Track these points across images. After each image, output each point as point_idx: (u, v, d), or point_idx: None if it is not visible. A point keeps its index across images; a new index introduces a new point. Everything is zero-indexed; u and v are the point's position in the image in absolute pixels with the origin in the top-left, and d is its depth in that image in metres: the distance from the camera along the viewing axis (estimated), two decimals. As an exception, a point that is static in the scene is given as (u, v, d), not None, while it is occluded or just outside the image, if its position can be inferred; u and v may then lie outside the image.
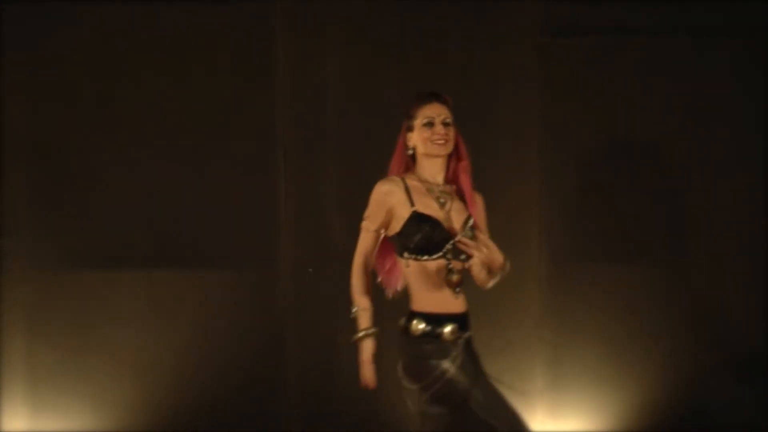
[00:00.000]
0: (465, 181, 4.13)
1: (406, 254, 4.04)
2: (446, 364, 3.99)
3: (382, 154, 5.33)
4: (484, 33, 5.53)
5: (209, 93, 5.48)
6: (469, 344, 4.07)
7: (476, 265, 3.91)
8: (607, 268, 5.52)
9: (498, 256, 3.96)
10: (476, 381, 4.05)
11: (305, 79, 5.50)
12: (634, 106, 5.59)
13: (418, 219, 4.04)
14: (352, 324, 5.38)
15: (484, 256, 3.93)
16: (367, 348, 4.04)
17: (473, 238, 4.02)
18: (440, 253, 4.01)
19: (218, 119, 5.44)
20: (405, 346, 4.05)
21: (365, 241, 4.16)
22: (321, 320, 5.49)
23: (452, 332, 3.96)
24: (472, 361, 4.04)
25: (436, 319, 4.02)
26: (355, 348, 5.37)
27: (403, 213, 4.05)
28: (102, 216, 5.43)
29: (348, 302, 5.40)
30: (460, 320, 4.03)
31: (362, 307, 4.12)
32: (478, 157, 5.30)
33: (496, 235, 5.38)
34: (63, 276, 5.43)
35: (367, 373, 4.01)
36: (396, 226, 4.09)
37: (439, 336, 3.98)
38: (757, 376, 5.62)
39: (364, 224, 4.13)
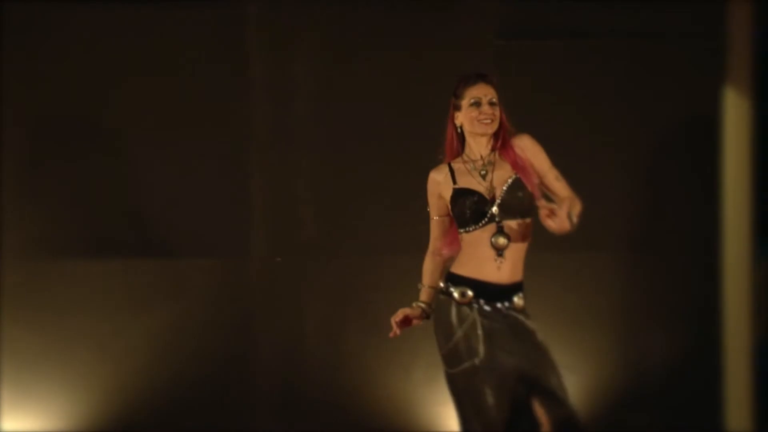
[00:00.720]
0: (509, 156, 4.12)
1: (460, 230, 4.10)
2: (456, 329, 4.05)
3: (351, 151, 5.52)
4: (445, 35, 5.57)
5: (186, 91, 5.53)
6: (497, 319, 4.06)
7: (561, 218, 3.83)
8: (554, 256, 5.51)
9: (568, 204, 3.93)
10: (498, 353, 4.01)
11: (278, 80, 5.55)
12: (586, 105, 5.63)
13: (458, 194, 4.09)
14: (319, 312, 5.49)
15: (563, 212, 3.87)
16: (403, 310, 4.06)
17: (514, 196, 4.00)
18: (485, 220, 4.04)
19: (195, 116, 5.49)
20: (437, 305, 4.14)
21: (432, 229, 4.20)
22: (290, 309, 5.56)
23: (462, 295, 4.02)
24: (497, 332, 4.02)
25: (456, 281, 4.08)
26: (322, 336, 5.48)
27: (448, 194, 4.12)
28: (79, 207, 5.48)
29: (315, 292, 5.50)
30: (489, 289, 4.04)
31: (425, 284, 4.15)
32: (441, 156, 5.48)
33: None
34: (40, 265, 5.49)
35: (393, 325, 4.04)
36: (449, 208, 4.16)
37: (450, 295, 4.05)
38: (704, 368, 5.66)
39: (430, 213, 4.18)
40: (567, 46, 5.60)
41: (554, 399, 3.97)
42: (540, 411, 3.97)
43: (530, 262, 5.35)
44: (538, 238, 5.33)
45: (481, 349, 4.00)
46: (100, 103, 5.45)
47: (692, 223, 5.62)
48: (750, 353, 6.28)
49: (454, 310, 4.03)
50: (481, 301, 4.02)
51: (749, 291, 6.26)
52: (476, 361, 4.01)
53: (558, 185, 4.12)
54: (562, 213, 3.87)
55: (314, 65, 5.55)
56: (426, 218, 5.64)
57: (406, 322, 4.05)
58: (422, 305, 4.10)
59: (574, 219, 3.91)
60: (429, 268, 4.17)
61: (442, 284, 4.09)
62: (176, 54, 5.49)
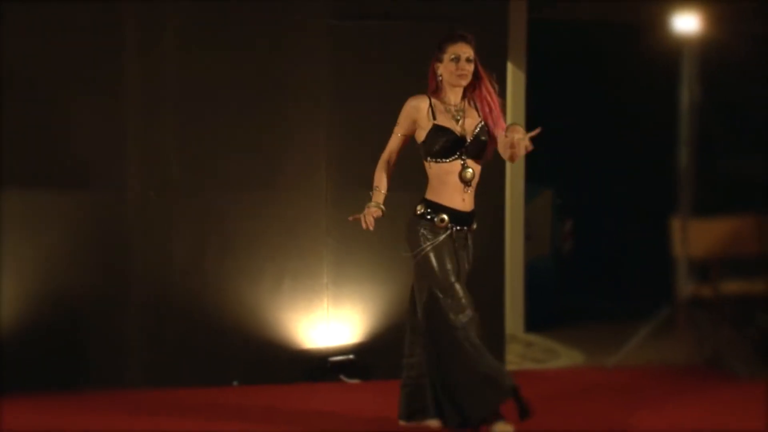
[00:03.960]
0: (481, 106, 4.27)
1: (429, 158, 4.28)
2: (428, 244, 4.27)
3: (210, 106, 5.65)
4: (286, 16, 5.69)
5: (79, 59, 5.53)
6: (459, 238, 4.29)
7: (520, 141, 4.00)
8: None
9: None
10: (455, 267, 4.26)
11: (148, 50, 5.62)
12: (401, 79, 5.49)
13: (437, 130, 4.23)
14: (185, 240, 5.57)
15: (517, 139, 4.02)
16: (370, 212, 4.27)
17: (479, 139, 4.17)
18: (455, 156, 4.23)
19: (84, 77, 5.54)
20: (409, 221, 4.36)
21: (392, 143, 4.33)
22: (161, 237, 5.63)
23: (441, 221, 4.26)
24: (457, 250, 4.28)
25: (435, 208, 4.29)
26: (188, 259, 5.59)
27: (426, 125, 4.25)
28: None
29: (182, 223, 5.60)
30: (458, 216, 4.27)
31: (378, 186, 4.34)
32: (284, 112, 5.68)
33: (293, 168, 5.65)
34: None
35: (368, 219, 4.24)
36: (421, 136, 4.28)
37: (432, 220, 4.28)
38: (490, 282, 5.82)
39: (395, 129, 4.30)
40: (388, 27, 5.73)
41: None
42: None
43: (358, 197, 5.21)
44: (364, 180, 5.11)
45: (443, 265, 4.25)
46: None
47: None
48: (523, 271, 6.80)
49: (422, 230, 4.30)
50: (455, 227, 4.29)
51: (523, 223, 6.75)
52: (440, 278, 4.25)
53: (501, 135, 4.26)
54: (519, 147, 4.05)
55: (180, 48, 5.62)
56: (269, 162, 5.68)
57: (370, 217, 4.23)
58: (380, 206, 4.31)
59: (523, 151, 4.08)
60: (382, 175, 4.36)
61: (421, 209, 4.30)
62: (72, 32, 5.53)
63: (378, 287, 5.86)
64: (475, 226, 4.36)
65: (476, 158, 4.29)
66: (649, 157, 7.70)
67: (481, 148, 4.29)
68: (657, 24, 6.45)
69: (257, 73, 5.74)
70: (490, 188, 5.72)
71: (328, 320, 5.84)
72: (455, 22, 5.59)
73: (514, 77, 6.51)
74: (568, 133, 7.84)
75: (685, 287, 6.31)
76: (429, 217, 4.28)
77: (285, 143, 5.77)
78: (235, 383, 5.69)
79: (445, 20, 5.71)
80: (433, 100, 4.29)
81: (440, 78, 4.27)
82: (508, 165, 5.96)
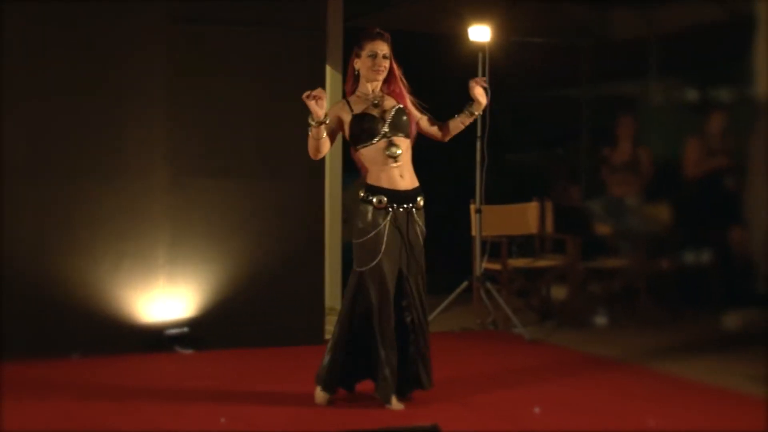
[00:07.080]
0: (399, 94, 4.31)
1: (358, 146, 4.26)
2: (374, 227, 4.22)
3: (51, 105, 5.67)
4: (126, 18, 5.73)
5: None
6: (402, 215, 4.24)
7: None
8: (211, 181, 5.90)
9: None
10: (403, 244, 4.22)
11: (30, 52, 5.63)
12: (233, 78, 5.94)
13: (357, 118, 4.25)
14: (30, 221, 5.61)
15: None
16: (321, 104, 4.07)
17: (399, 118, 4.20)
18: (380, 136, 4.23)
19: None
20: (355, 209, 4.32)
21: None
22: (8, 217, 5.60)
23: (379, 201, 4.24)
24: (403, 228, 4.24)
25: (374, 190, 4.26)
26: (33, 238, 5.63)
27: (346, 119, 4.28)
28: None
29: (28, 208, 5.61)
30: (397, 195, 4.24)
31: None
32: (125, 108, 5.79)
33: (133, 159, 5.74)
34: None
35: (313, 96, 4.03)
36: (346, 131, 4.30)
37: (370, 203, 4.26)
38: (311, 260, 5.96)
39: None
40: (220, 31, 5.85)
41: (413, 301, 4.30)
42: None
43: (195, 185, 5.76)
44: (202, 169, 5.72)
45: (379, 256, 4.20)
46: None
47: (302, 158, 5.40)
48: (341, 251, 6.97)
49: (370, 214, 4.26)
50: (395, 205, 4.26)
51: (340, 209, 6.93)
52: (373, 264, 4.19)
53: (431, 122, 4.39)
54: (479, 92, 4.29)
55: (24, 33, 5.57)
56: (110, 153, 5.80)
57: (318, 99, 4.02)
58: (325, 119, 4.10)
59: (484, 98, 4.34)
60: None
61: (361, 193, 4.28)
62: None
63: (210, 267, 5.97)
64: (421, 203, 4.35)
65: (404, 135, 4.30)
66: (452, 151, 8.10)
67: (405, 125, 4.30)
68: (456, 34, 6.77)
69: (99, 69, 5.79)
70: (310, 178, 6.04)
71: (164, 297, 5.92)
72: (281, 27, 5.94)
73: (332, 78, 6.72)
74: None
75: (480, 264, 6.65)
76: (369, 198, 4.28)
77: (126, 136, 5.84)
78: (76, 355, 5.69)
79: (272, 26, 5.93)
80: (349, 99, 4.35)
81: (357, 72, 4.32)
82: (327, 157, 5.72)
